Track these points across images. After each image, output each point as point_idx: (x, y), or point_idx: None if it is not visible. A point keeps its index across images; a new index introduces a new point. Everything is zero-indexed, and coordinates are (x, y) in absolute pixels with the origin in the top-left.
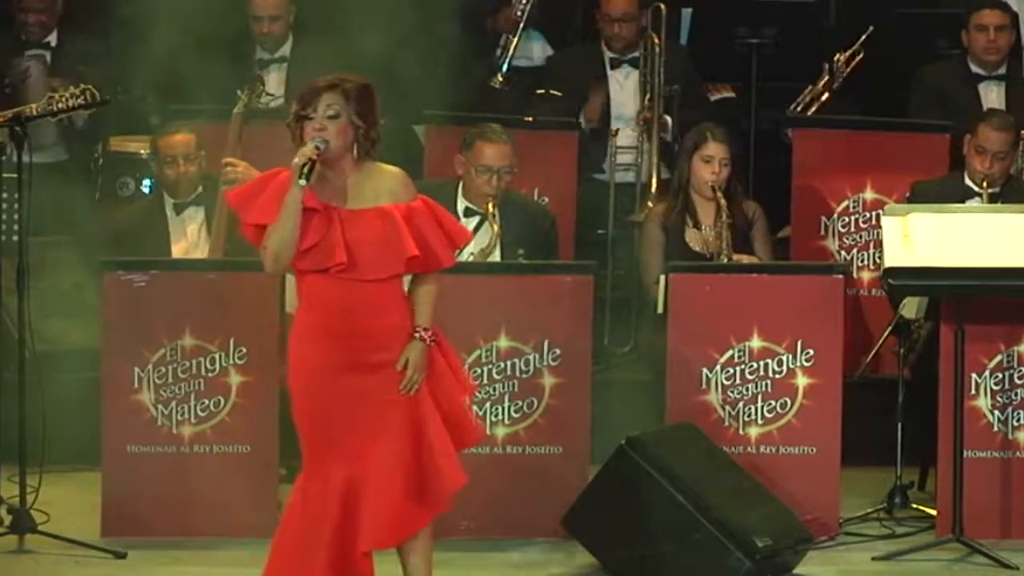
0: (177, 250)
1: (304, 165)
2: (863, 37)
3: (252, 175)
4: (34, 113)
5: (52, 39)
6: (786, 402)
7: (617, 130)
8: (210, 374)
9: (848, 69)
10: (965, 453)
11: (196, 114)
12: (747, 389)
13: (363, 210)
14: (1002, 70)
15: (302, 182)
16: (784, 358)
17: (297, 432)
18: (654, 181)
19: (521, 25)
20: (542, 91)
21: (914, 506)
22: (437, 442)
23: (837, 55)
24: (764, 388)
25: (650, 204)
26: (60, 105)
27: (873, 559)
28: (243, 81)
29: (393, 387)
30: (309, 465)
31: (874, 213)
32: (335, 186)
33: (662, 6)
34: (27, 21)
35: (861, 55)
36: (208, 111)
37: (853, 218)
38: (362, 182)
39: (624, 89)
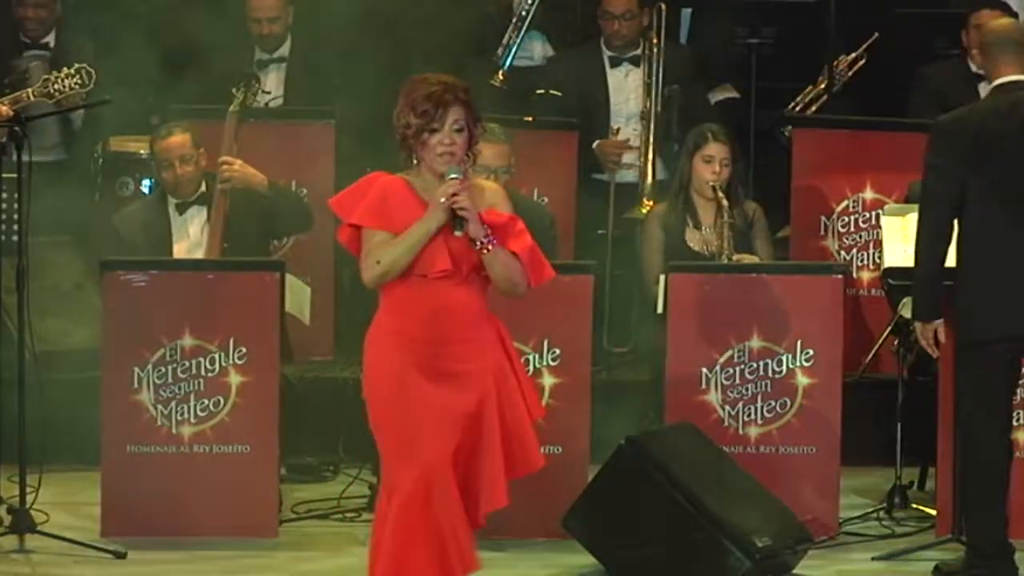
0: (179, 249)
1: (454, 212)
2: (867, 44)
3: (249, 173)
4: (32, 97)
5: (51, 40)
6: (786, 402)
7: (618, 129)
8: (210, 374)
9: (850, 73)
10: None
11: (195, 114)
12: (747, 389)
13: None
14: None
15: (458, 233)
16: (784, 358)
17: (375, 440)
18: (649, 179)
19: (525, 24)
20: (542, 91)
21: (914, 506)
22: (488, 463)
23: (839, 59)
24: (764, 388)
25: (646, 201)
26: (56, 86)
27: (873, 559)
28: (239, 79)
29: (466, 400)
30: (388, 476)
31: (874, 213)
32: (438, 196)
33: (663, 5)
34: (27, 16)
35: (863, 60)
36: (206, 110)
37: (853, 218)
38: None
39: (624, 88)
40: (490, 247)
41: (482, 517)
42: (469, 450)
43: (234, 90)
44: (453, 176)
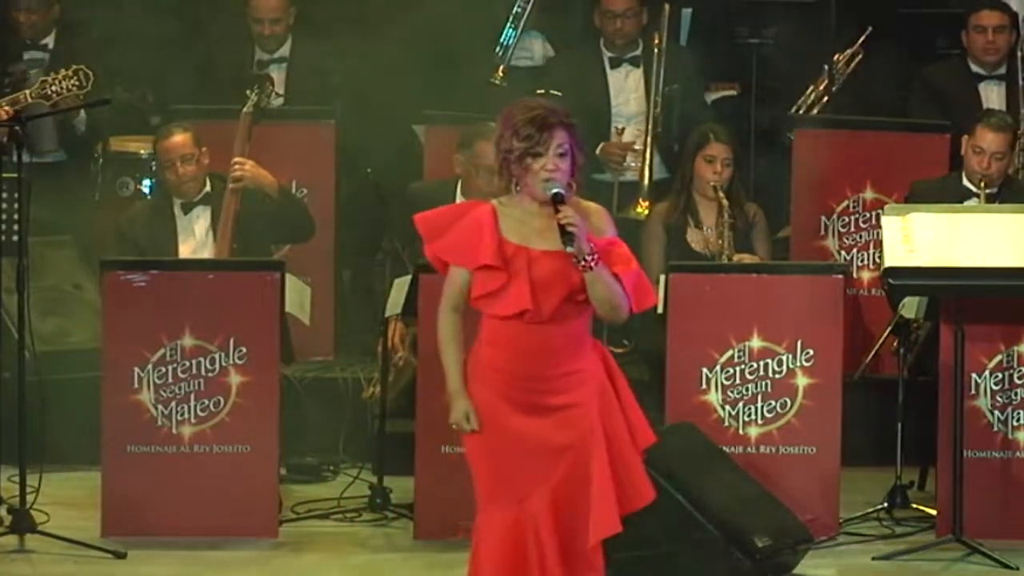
0: (185, 249)
1: (563, 228)
2: (862, 38)
3: (261, 175)
4: (29, 99)
5: (49, 41)
6: (786, 402)
7: (623, 128)
8: (210, 374)
9: (848, 70)
10: (965, 453)
11: (197, 114)
12: (747, 389)
13: (558, 251)
14: (1002, 70)
15: (569, 249)
16: (784, 358)
17: (471, 470)
18: (646, 179)
19: (522, 22)
20: (542, 91)
21: (914, 506)
22: (599, 491)
23: (836, 56)
24: (764, 388)
25: (643, 201)
26: (54, 88)
27: (873, 559)
28: (252, 80)
29: (567, 431)
30: (484, 505)
31: (874, 213)
32: (532, 226)
33: (667, 6)
34: (19, 21)
35: (861, 55)
36: (209, 111)
37: (853, 218)
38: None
39: (624, 89)
40: (593, 265)
41: (593, 544)
42: (576, 486)
43: (248, 91)
44: (555, 191)
